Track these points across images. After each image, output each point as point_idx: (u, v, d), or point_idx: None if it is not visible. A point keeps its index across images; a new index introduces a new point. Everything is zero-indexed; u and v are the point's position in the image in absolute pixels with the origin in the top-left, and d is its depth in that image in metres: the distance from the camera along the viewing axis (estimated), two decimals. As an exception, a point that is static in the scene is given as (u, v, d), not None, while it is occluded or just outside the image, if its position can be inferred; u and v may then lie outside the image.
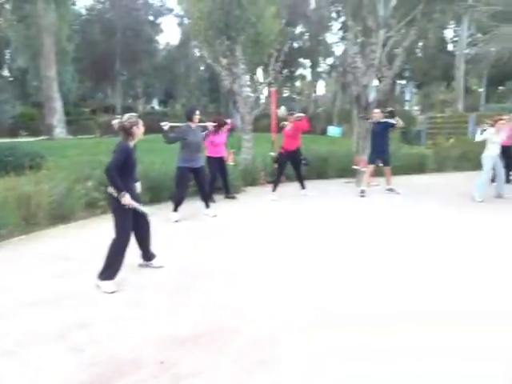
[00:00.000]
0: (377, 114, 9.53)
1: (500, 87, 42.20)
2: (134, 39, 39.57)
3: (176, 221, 7.06)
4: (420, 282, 4.50)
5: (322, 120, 31.55)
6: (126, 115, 4.52)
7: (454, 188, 10.05)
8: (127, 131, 4.42)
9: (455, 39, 38.76)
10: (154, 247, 5.02)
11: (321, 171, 11.50)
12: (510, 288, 4.33)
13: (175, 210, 7.18)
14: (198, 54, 42.88)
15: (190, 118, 7.06)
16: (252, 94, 11.20)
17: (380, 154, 9.46)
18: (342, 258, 5.26)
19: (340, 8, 37.29)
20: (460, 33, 32.73)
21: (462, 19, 31.30)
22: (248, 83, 13.27)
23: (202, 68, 45.12)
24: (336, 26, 41.19)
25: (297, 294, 4.22)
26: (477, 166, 12.80)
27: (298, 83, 54.09)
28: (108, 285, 4.32)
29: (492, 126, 8.66)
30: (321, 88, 55.28)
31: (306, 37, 43.26)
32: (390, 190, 9.58)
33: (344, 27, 36.58)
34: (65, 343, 3.36)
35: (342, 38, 39.76)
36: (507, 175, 9.60)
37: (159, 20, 45.34)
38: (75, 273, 4.82)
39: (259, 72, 38.20)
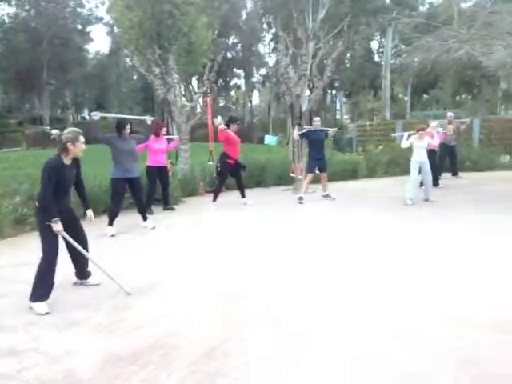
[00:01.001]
0: (317, 122, 9.67)
1: (424, 95, 44.77)
2: (62, 48, 38.19)
3: (112, 235, 6.80)
4: (356, 282, 4.63)
5: (258, 129, 31.95)
6: (68, 129, 4.36)
7: (384, 193, 10.48)
8: (62, 146, 4.25)
9: (381, 50, 40.72)
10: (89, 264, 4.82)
11: (259, 179, 11.62)
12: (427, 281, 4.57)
13: (111, 223, 6.92)
14: (129, 63, 42.13)
15: (119, 131, 6.88)
16: (188, 104, 11.13)
17: (318, 162, 9.66)
18: (283, 265, 5.31)
19: (271, 19, 38.03)
20: (385, 44, 34.41)
21: (386, 31, 32.94)
22: (183, 93, 13.17)
23: (134, 77, 44.36)
24: (268, 37, 42.00)
25: (241, 305, 4.20)
26: (406, 171, 13.50)
27: (233, 93, 54.50)
28: (40, 306, 4.10)
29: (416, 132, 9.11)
30: (255, 98, 56.05)
31: (239, 47, 43.74)
32: (326, 196, 9.82)
33: (275, 38, 37.34)
34: (-7, 371, 3.15)
35: (274, 49, 40.56)
36: (435, 179, 10.12)
37: (88, 28, 44.14)
38: (4, 294, 4.53)
39: (194, 82, 38.12)
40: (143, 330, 3.73)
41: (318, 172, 9.87)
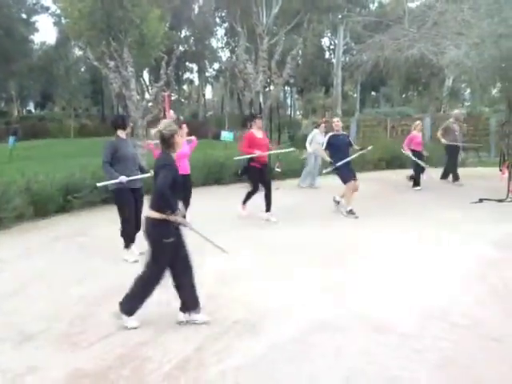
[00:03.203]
0: (338, 124, 8.15)
1: (373, 93, 45.86)
2: (5, 38, 36.20)
3: (135, 261, 5.36)
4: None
5: (213, 125, 31.66)
6: (164, 122, 3.80)
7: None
8: (167, 142, 3.68)
9: (332, 47, 41.27)
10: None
11: (218, 177, 11.40)
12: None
13: (126, 246, 5.61)
14: (77, 55, 40.64)
15: (122, 128, 5.57)
16: (145, 98, 10.79)
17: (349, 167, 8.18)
18: (258, 264, 5.20)
19: (223, 14, 37.72)
20: (336, 41, 34.86)
21: (338, 28, 33.36)
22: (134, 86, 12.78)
23: (82, 69, 42.82)
24: (220, 31, 41.68)
25: (217, 311, 4.05)
26: (360, 167, 13.74)
27: (185, 87, 53.73)
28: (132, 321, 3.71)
29: (317, 127, 10.18)
30: (208, 92, 55.58)
31: (192, 41, 43.13)
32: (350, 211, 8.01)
33: (229, 32, 37.07)
34: None
35: (227, 44, 40.29)
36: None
37: (33, 18, 42.11)
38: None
39: (145, 75, 37.25)
40: (110, 340, 3.52)
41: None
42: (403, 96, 42.59)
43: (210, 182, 10.94)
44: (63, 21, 34.37)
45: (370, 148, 8.53)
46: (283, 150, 9.71)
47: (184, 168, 6.38)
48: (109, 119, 39.02)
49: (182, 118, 48.93)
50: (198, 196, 8.76)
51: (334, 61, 35.28)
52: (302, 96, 47.81)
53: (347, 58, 34.96)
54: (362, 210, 7.68)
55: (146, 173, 5.52)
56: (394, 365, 3.16)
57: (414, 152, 10.25)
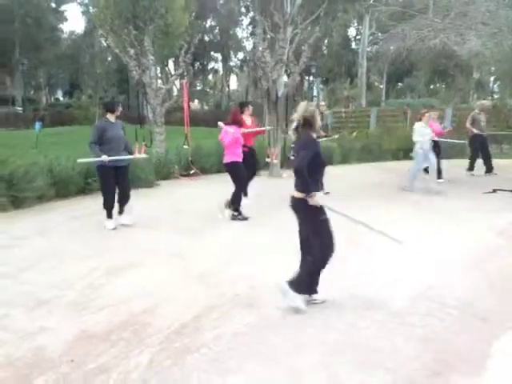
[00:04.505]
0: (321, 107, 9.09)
1: (399, 84, 45.23)
2: (35, 27, 37.02)
3: (113, 228, 6.18)
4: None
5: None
6: (303, 104, 3.82)
7: (359, 178, 10.66)
8: (309, 122, 3.72)
9: (358, 37, 40.83)
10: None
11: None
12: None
13: (109, 216, 6.27)
14: (104, 44, 41.24)
15: (111, 111, 6.19)
16: (163, 86, 11.04)
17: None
18: (257, 245, 5.41)
19: (249, 3, 37.69)
20: (362, 31, 34.50)
21: (363, 18, 33.01)
22: (159, 75, 13.04)
23: (109, 58, 43.47)
24: (246, 21, 41.66)
25: (214, 283, 4.28)
26: (377, 157, 13.76)
27: (210, 77, 53.97)
28: (301, 301, 3.74)
29: (420, 119, 8.80)
30: (233, 82, 55.69)
31: (217, 31, 43.27)
32: None
33: (253, 22, 37.06)
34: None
35: (252, 33, 40.27)
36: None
37: (63, 7, 42.91)
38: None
39: (171, 64, 37.62)
40: (115, 308, 3.78)
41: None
42: (431, 87, 41.93)
43: (223, 169, 11.11)
44: (91, 10, 35.00)
45: (336, 136, 9.78)
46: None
47: (240, 155, 6.73)
48: (132, 108, 39.76)
49: (206, 107, 49.25)
50: (215, 183, 9.00)
51: (359, 51, 34.93)
52: (327, 86, 47.53)
53: (374, 48, 34.56)
54: (361, 198, 7.84)
55: (131, 154, 6.33)
56: (378, 337, 3.33)
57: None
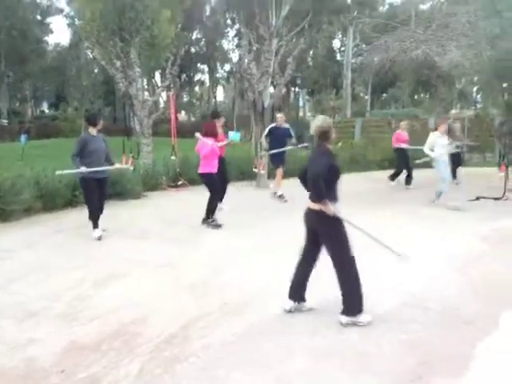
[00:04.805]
0: (280, 119, 9.50)
1: (383, 94, 45.84)
2: (20, 39, 36.90)
3: (99, 237, 6.27)
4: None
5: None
6: (321, 117, 3.94)
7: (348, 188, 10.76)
8: (326, 134, 3.82)
9: (342, 49, 41.39)
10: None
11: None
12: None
13: (95, 226, 6.38)
14: (90, 56, 41.22)
15: (93, 125, 6.38)
16: (150, 98, 11.10)
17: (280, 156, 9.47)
18: (244, 253, 5.46)
19: (234, 15, 38.05)
20: (346, 43, 35.02)
21: (347, 30, 33.54)
22: (145, 87, 13.12)
23: (95, 70, 43.42)
24: (232, 32, 41.98)
25: (202, 293, 4.32)
26: (363, 167, 13.92)
27: (197, 88, 54.16)
28: (364, 316, 3.70)
29: (436, 129, 8.58)
30: (220, 94, 55.88)
31: (203, 42, 43.53)
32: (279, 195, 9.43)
33: (239, 34, 37.38)
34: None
35: (238, 45, 40.57)
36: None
37: (48, 20, 42.85)
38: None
39: (157, 76, 37.68)
40: (104, 318, 3.80)
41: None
42: (415, 98, 42.53)
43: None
44: (77, 22, 34.98)
45: (306, 144, 9.93)
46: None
47: (215, 166, 7.04)
48: (118, 120, 39.68)
49: (193, 119, 49.35)
50: (202, 194, 9.05)
51: (344, 62, 35.40)
52: (313, 97, 47.99)
53: (358, 60, 35.04)
54: (349, 206, 7.92)
55: (111, 164, 6.53)
56: (364, 343, 3.40)
57: (399, 149, 10.80)
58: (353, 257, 3.71)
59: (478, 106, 34.43)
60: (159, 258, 5.42)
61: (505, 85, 9.98)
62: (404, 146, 10.78)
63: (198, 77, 49.72)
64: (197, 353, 3.25)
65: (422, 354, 3.25)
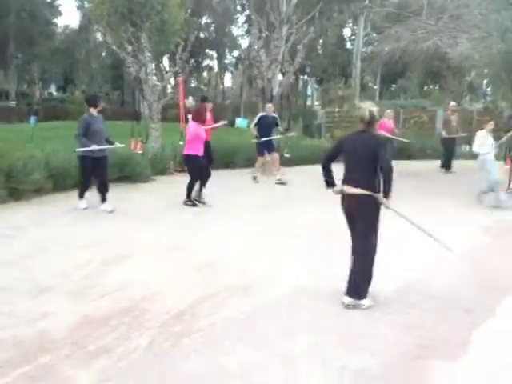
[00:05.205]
0: (270, 108, 9.97)
1: (392, 85, 45.56)
2: (29, 21, 36.94)
3: (85, 208, 6.89)
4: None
5: (230, 112, 31.94)
6: (368, 104, 3.91)
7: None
8: (373, 120, 3.84)
9: (353, 38, 41.06)
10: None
11: (229, 161, 11.73)
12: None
13: (81, 197, 7.01)
14: (99, 39, 41.17)
15: (94, 106, 6.88)
16: (159, 83, 11.16)
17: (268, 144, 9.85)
18: (252, 236, 5.58)
19: (244, 1, 37.81)
20: (357, 32, 34.71)
21: (358, 19, 33.23)
22: (154, 72, 13.17)
23: (103, 54, 43.38)
24: (241, 19, 41.76)
25: (211, 272, 4.46)
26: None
27: (205, 74, 54.00)
28: (367, 301, 3.82)
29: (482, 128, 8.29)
30: (228, 80, 55.73)
31: (212, 28, 43.32)
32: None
33: (249, 21, 37.18)
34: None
35: (247, 32, 40.36)
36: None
37: (57, 2, 42.78)
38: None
39: (165, 61, 37.63)
40: (114, 295, 3.94)
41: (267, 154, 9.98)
42: (424, 89, 42.24)
43: (222, 166, 11.27)
44: (86, 5, 34.93)
45: (292, 134, 10.86)
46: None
47: (200, 149, 7.36)
48: (127, 103, 39.72)
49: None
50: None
51: (354, 51, 35.11)
52: (321, 86, 47.75)
53: (368, 49, 34.78)
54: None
55: (112, 144, 7.06)
56: (364, 324, 3.52)
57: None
58: (377, 244, 3.82)
59: (488, 98, 34.24)
60: (167, 240, 5.55)
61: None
62: (384, 133, 10.83)
63: (206, 62, 49.57)
64: (204, 329, 3.39)
65: (421, 338, 3.37)
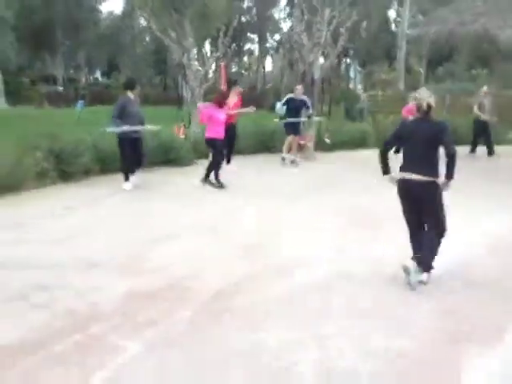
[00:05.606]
0: (299, 90, 9.89)
1: (439, 68, 44.10)
2: (75, 7, 37.87)
3: (130, 189, 7.20)
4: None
5: (271, 96, 31.82)
6: (425, 93, 3.98)
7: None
8: (432, 106, 3.91)
9: (398, 20, 39.93)
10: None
11: (270, 145, 11.77)
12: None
13: (126, 179, 7.32)
14: (143, 25, 41.77)
15: (130, 89, 7.28)
16: (201, 68, 11.31)
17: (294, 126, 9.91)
18: (290, 222, 5.68)
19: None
20: (402, 13, 33.73)
21: (404, 0, 32.26)
22: (196, 57, 13.32)
23: (147, 39, 44.02)
24: (283, 1, 41.37)
25: (254, 253, 4.60)
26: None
27: (245, 58, 53.94)
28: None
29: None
30: (269, 64, 55.47)
31: (254, 12, 43.12)
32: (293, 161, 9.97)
33: (291, 3, 36.77)
34: (25, 302, 3.55)
35: (289, 15, 39.96)
36: None
37: (102, -12, 43.60)
38: (30, 239, 4.93)
39: (207, 46, 37.84)
40: (160, 272, 4.14)
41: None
42: (473, 72, 40.70)
43: (260, 150, 11.36)
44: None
45: (319, 118, 10.72)
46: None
47: (218, 132, 7.60)
48: (169, 88, 40.23)
49: (241, 89, 49.33)
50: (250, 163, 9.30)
51: (399, 33, 34.17)
52: (364, 69, 46.77)
53: (414, 32, 33.72)
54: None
55: (144, 126, 7.40)
56: (402, 309, 3.56)
57: None
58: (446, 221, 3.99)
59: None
60: (211, 222, 5.75)
61: None
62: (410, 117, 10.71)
63: (247, 46, 49.50)
64: (243, 307, 3.52)
65: (458, 323, 3.38)
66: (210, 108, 7.75)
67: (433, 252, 3.94)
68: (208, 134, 7.71)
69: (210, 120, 7.58)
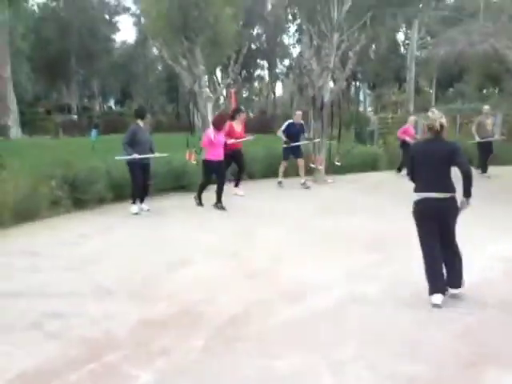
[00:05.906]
0: (298, 116, 10.49)
1: (449, 89, 44.16)
2: (89, 38, 38.98)
3: (136, 213, 7.43)
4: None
5: (281, 121, 32.12)
6: (435, 111, 4.06)
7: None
8: (442, 129, 4.00)
9: (407, 42, 40.26)
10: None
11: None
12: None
13: (134, 202, 7.57)
14: (155, 54, 42.69)
15: (141, 118, 7.58)
16: (212, 95, 11.48)
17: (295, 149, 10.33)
18: (303, 242, 5.68)
19: (296, 10, 38.02)
20: (410, 36, 34.00)
21: (413, 23, 32.55)
22: (207, 84, 13.55)
23: (159, 67, 44.91)
24: (292, 28, 42.03)
25: (265, 280, 4.59)
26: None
27: (256, 84, 54.64)
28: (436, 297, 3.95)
29: None
30: (279, 89, 56.06)
31: (264, 38, 43.86)
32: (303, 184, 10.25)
33: (300, 29, 37.36)
34: (40, 331, 3.58)
35: (298, 41, 40.56)
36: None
37: (115, 19, 44.89)
38: (45, 268, 4.99)
39: (218, 73, 38.47)
40: (173, 298, 4.15)
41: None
42: (483, 92, 40.69)
43: (270, 174, 11.38)
44: (142, 21, 36.34)
45: (317, 140, 10.98)
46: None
47: (218, 155, 7.87)
48: (182, 116, 40.81)
49: (251, 114, 49.88)
50: (261, 188, 9.33)
51: (408, 55, 34.38)
52: (374, 91, 47.03)
53: (423, 53, 33.92)
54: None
55: (153, 153, 7.70)
56: (417, 331, 3.52)
57: (406, 145, 11.11)
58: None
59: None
60: (223, 246, 5.79)
61: None
62: (409, 140, 11.31)
63: (257, 72, 50.17)
64: (256, 333, 3.51)
65: (474, 345, 3.33)
66: (209, 131, 8.00)
67: (461, 266, 4.07)
68: (206, 156, 7.95)
69: (210, 143, 7.81)
